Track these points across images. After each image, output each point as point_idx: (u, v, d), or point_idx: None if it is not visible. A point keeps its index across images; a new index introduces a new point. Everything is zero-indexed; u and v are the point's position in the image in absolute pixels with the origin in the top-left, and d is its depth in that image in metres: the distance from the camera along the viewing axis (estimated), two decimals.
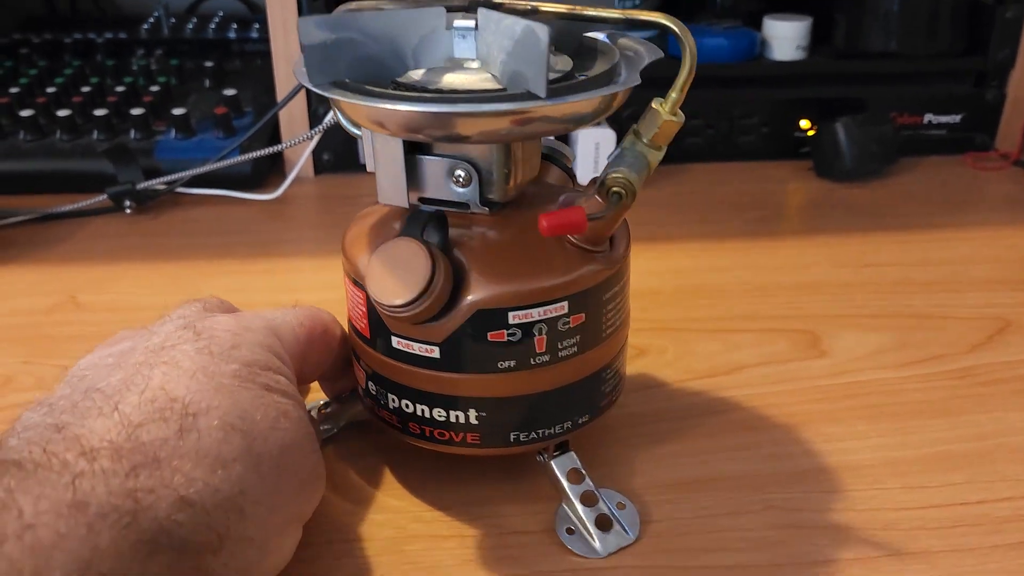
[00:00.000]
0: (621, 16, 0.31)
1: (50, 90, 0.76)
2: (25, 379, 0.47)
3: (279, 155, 0.70)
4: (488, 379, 0.34)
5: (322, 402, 0.42)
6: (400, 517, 0.38)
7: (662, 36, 0.78)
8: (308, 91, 0.69)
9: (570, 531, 0.36)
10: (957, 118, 0.76)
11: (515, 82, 0.30)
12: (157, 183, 0.66)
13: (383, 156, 0.34)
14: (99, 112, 0.71)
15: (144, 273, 0.59)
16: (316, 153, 0.73)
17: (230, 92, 0.75)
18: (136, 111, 0.72)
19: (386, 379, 0.36)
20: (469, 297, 0.33)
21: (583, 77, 0.32)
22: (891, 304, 0.54)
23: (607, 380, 0.37)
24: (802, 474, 0.40)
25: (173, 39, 0.90)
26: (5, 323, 0.53)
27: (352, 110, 0.32)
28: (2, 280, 0.58)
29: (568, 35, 0.36)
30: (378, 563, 0.35)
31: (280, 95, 0.70)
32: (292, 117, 0.71)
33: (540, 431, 0.35)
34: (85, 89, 0.76)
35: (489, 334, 0.33)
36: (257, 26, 0.92)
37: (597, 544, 0.35)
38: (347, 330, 0.38)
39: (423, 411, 0.35)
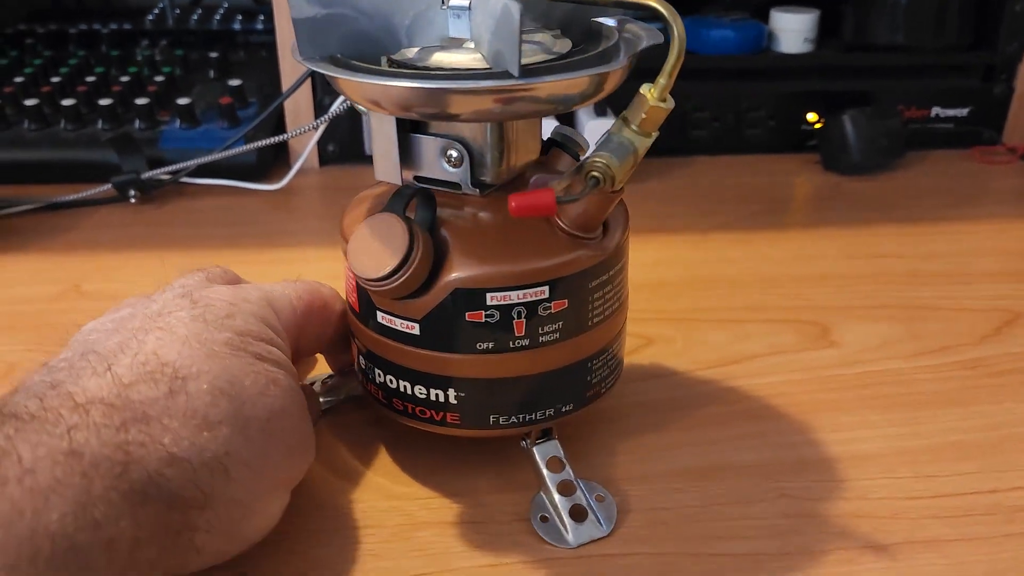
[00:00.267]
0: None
1: (55, 80, 0.76)
2: (29, 367, 0.46)
3: (284, 145, 0.70)
4: (467, 359, 0.34)
5: (326, 375, 0.43)
6: (409, 504, 0.37)
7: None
8: (313, 81, 0.69)
9: (544, 519, 0.36)
10: (964, 112, 0.76)
11: (497, 61, 0.30)
12: (161, 173, 0.66)
13: (378, 133, 0.34)
14: (104, 102, 0.71)
15: (148, 262, 0.58)
16: (321, 144, 0.72)
17: (235, 82, 0.74)
18: (141, 101, 0.71)
19: (373, 354, 0.36)
20: (448, 276, 0.33)
21: (572, 59, 0.32)
22: (900, 295, 0.53)
23: (594, 370, 0.36)
24: (813, 463, 0.39)
25: (178, 29, 0.90)
26: (10, 311, 0.53)
27: (344, 85, 0.32)
28: (7, 268, 0.58)
29: (575, 19, 0.36)
30: (387, 550, 0.35)
31: (285, 85, 0.70)
32: (297, 107, 0.70)
33: (521, 416, 0.35)
34: (90, 79, 0.76)
35: (467, 314, 0.33)
36: (262, 17, 0.92)
37: (569, 534, 0.35)
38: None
39: (405, 387, 0.36)
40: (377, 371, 0.36)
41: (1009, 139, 0.76)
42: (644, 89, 0.30)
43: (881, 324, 0.50)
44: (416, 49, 0.34)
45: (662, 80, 0.30)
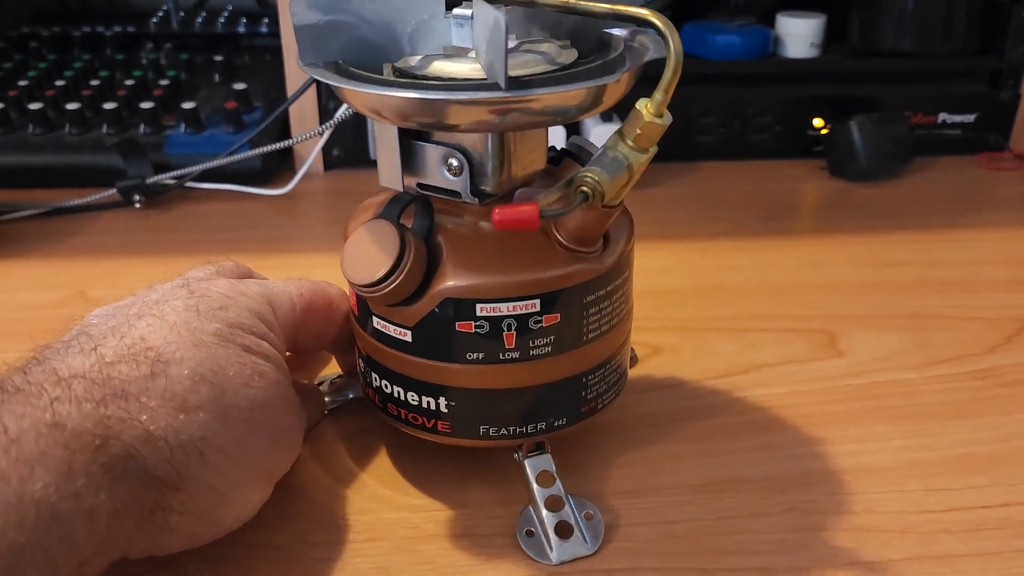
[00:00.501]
0: (609, 10, 0.30)
1: (59, 83, 0.76)
2: None
3: (289, 150, 0.70)
4: (457, 369, 0.34)
5: (335, 375, 0.44)
6: (415, 516, 0.37)
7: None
8: (318, 86, 0.69)
9: (530, 533, 0.35)
10: (971, 118, 0.76)
11: (490, 72, 0.30)
12: (166, 178, 0.66)
13: (381, 140, 0.34)
14: (108, 106, 0.71)
15: (153, 268, 0.58)
16: (326, 149, 0.72)
17: (240, 87, 0.74)
18: (145, 105, 0.71)
19: (370, 358, 0.37)
20: (439, 284, 0.33)
21: (569, 71, 0.32)
22: (908, 304, 0.53)
23: (590, 385, 0.36)
24: (823, 476, 0.39)
25: (182, 33, 0.90)
26: (14, 317, 0.53)
27: (343, 93, 0.32)
28: (11, 274, 0.58)
29: (586, 30, 0.35)
30: (392, 562, 0.35)
31: (290, 89, 0.70)
32: (302, 112, 0.70)
33: (511, 428, 0.35)
34: (94, 83, 0.76)
35: (457, 324, 0.33)
36: (267, 20, 0.92)
37: (552, 551, 0.35)
38: None
39: (399, 393, 0.36)
40: (374, 375, 0.37)
41: (1016, 145, 0.76)
42: (640, 104, 0.30)
43: (889, 333, 0.50)
44: (419, 57, 0.34)
45: (658, 96, 0.29)
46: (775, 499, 0.38)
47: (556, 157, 0.37)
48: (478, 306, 0.33)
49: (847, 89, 0.74)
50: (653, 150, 0.31)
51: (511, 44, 0.33)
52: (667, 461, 0.40)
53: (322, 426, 0.42)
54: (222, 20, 0.92)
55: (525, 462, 0.36)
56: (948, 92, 0.75)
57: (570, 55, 0.33)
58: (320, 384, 0.45)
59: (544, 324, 0.33)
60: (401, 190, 0.35)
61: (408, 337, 0.34)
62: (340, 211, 0.68)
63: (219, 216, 0.66)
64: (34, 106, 0.71)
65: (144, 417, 0.29)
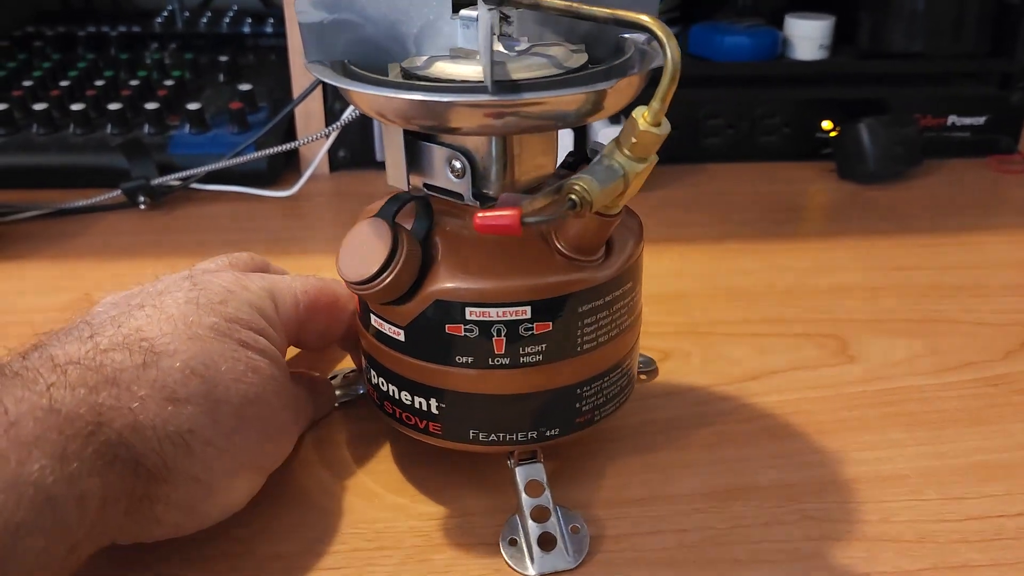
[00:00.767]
0: (610, 15, 0.29)
1: (63, 83, 0.75)
2: None
3: (295, 152, 0.69)
4: (446, 371, 0.34)
5: (348, 369, 0.45)
6: (426, 524, 0.37)
7: (683, 33, 0.77)
8: (324, 87, 0.69)
9: (513, 542, 0.35)
10: (981, 120, 0.75)
11: (484, 74, 0.30)
12: (171, 179, 0.65)
13: (388, 139, 0.34)
14: (113, 106, 0.71)
15: (158, 269, 0.57)
16: (332, 150, 0.72)
17: (245, 87, 0.74)
18: (150, 105, 0.71)
19: (369, 355, 0.37)
20: (431, 286, 0.33)
21: (567, 76, 0.31)
22: (920, 309, 0.53)
23: (585, 397, 0.35)
24: (837, 484, 0.39)
25: (187, 33, 0.90)
26: (20, 319, 0.52)
27: (346, 93, 0.32)
28: (15, 276, 0.57)
29: (601, 35, 0.35)
30: (402, 572, 0.34)
31: (296, 89, 0.69)
32: (308, 114, 0.70)
33: (500, 435, 0.35)
34: (99, 83, 0.75)
35: (447, 326, 0.33)
36: (271, 21, 0.91)
37: (533, 562, 0.34)
38: None
39: (393, 391, 0.36)
40: (373, 372, 0.37)
41: None
42: (636, 113, 0.29)
43: (902, 339, 0.49)
44: (424, 58, 0.33)
45: (655, 104, 0.28)
46: (788, 507, 0.37)
47: (574, 162, 0.37)
48: (467, 309, 0.32)
49: (856, 91, 0.74)
50: (653, 159, 0.30)
51: (522, 47, 0.33)
52: (678, 468, 0.40)
53: (331, 431, 0.42)
54: (227, 20, 0.92)
55: (516, 469, 0.36)
56: (958, 94, 0.75)
57: (579, 59, 0.33)
58: (333, 378, 0.45)
59: (535, 332, 0.33)
60: (407, 190, 0.34)
61: (401, 336, 0.34)
62: (346, 213, 0.68)
63: (224, 217, 0.65)
64: (38, 106, 0.70)
65: (134, 405, 0.30)
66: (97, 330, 0.32)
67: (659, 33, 0.28)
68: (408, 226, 0.33)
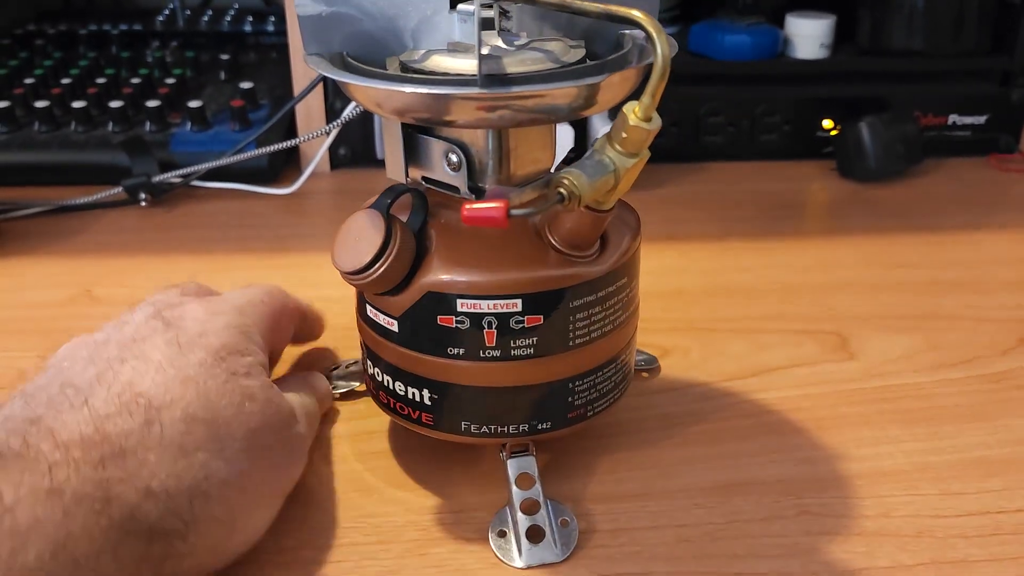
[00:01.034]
0: (602, 10, 0.30)
1: (65, 81, 0.75)
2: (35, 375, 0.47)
3: (295, 149, 0.70)
4: (438, 362, 0.34)
5: (351, 360, 0.45)
6: (424, 518, 0.37)
7: (683, 31, 0.77)
8: (325, 84, 0.69)
9: (502, 533, 0.35)
10: (982, 119, 0.75)
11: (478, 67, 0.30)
12: (172, 176, 0.65)
13: (387, 133, 0.35)
14: (114, 104, 0.71)
15: (160, 266, 0.58)
16: (333, 148, 0.72)
17: (246, 85, 0.74)
18: (151, 103, 0.71)
19: (365, 344, 0.37)
20: (423, 277, 0.33)
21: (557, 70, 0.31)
22: (920, 305, 0.53)
23: (577, 392, 0.35)
24: (836, 479, 0.39)
25: (188, 31, 0.90)
26: (20, 315, 0.52)
27: (342, 86, 0.32)
28: (17, 272, 0.57)
29: (601, 31, 0.35)
30: (402, 566, 0.34)
31: (297, 88, 0.70)
32: (309, 111, 0.70)
33: (492, 427, 0.35)
34: (100, 81, 0.76)
35: (439, 317, 0.33)
36: (272, 19, 0.92)
37: (520, 554, 0.34)
38: None
39: (388, 381, 0.36)
40: (369, 362, 0.37)
41: None
42: (627, 108, 0.29)
43: (902, 335, 0.49)
44: (422, 52, 0.34)
45: (645, 100, 0.29)
46: (787, 502, 0.37)
47: (574, 159, 0.37)
48: (459, 301, 0.33)
49: (857, 90, 0.74)
50: (644, 155, 0.30)
51: (521, 42, 0.33)
52: (677, 464, 0.40)
53: (330, 425, 0.42)
54: (228, 18, 0.92)
55: (507, 462, 0.36)
56: (958, 93, 0.74)
57: (576, 54, 0.33)
58: (335, 369, 0.45)
59: (526, 325, 0.33)
60: (405, 182, 0.35)
61: (395, 327, 0.34)
62: (346, 210, 0.67)
63: (225, 215, 0.65)
64: (40, 104, 0.70)
65: (144, 472, 0.29)
66: (89, 393, 0.30)
67: (650, 29, 0.28)
68: (404, 218, 0.34)
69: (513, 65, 0.31)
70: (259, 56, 0.85)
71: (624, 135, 0.29)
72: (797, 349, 0.48)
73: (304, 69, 0.68)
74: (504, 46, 0.33)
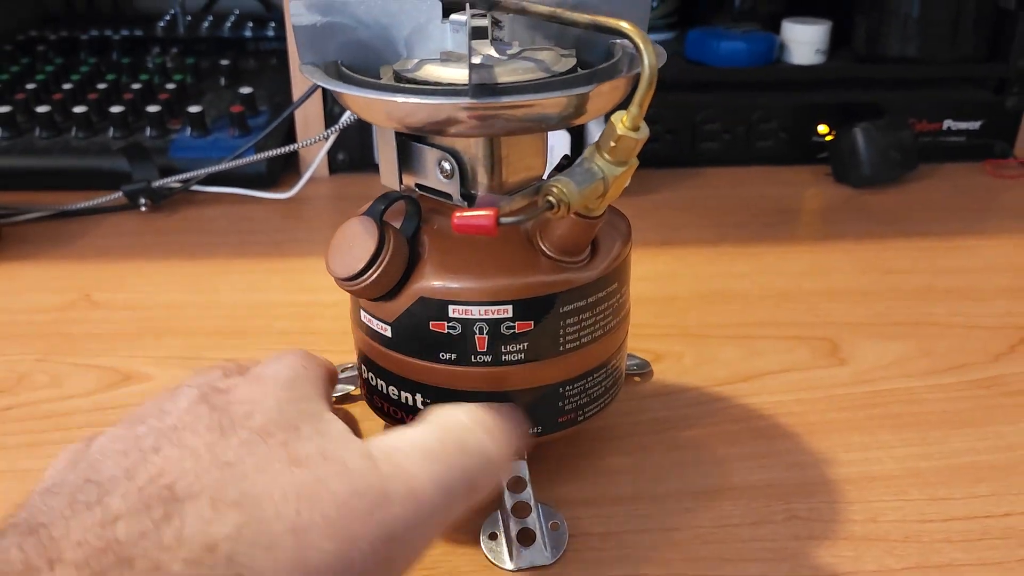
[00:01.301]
0: (590, 21, 0.30)
1: (66, 87, 0.76)
2: (39, 377, 0.47)
3: (294, 154, 0.70)
4: (430, 367, 0.34)
5: (348, 364, 0.45)
6: None
7: (680, 38, 0.78)
8: (323, 91, 0.69)
9: (493, 536, 0.36)
10: (977, 125, 0.76)
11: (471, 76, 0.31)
12: (172, 181, 0.66)
13: (381, 140, 0.35)
14: (115, 109, 0.71)
15: (159, 271, 0.58)
16: (331, 153, 0.72)
17: (246, 91, 0.74)
18: (152, 109, 0.71)
19: (359, 349, 0.38)
20: (415, 283, 0.33)
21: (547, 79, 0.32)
22: (912, 312, 0.53)
23: (568, 397, 0.36)
24: (825, 484, 0.39)
25: (189, 37, 0.90)
26: (20, 320, 0.53)
27: (340, 96, 0.33)
28: (17, 276, 0.58)
29: (592, 40, 0.36)
30: None
31: (296, 94, 0.70)
32: (307, 117, 0.70)
33: None
34: (101, 86, 0.76)
35: (431, 323, 0.34)
36: (273, 25, 0.92)
37: (511, 556, 0.35)
38: None
39: (381, 386, 0.37)
40: (363, 366, 0.38)
41: (1021, 152, 0.76)
42: (615, 117, 0.30)
43: (893, 341, 0.50)
44: (415, 61, 0.34)
45: (633, 109, 0.29)
46: (776, 507, 0.38)
47: (567, 165, 0.37)
48: (450, 307, 0.33)
49: (852, 96, 0.74)
50: (633, 163, 0.30)
51: (513, 51, 0.34)
52: (668, 468, 0.40)
53: None
54: (228, 24, 0.93)
55: None
56: (953, 99, 0.75)
57: (567, 63, 0.33)
58: (343, 371, 0.45)
59: (517, 331, 0.33)
60: (399, 189, 0.35)
61: (388, 332, 0.35)
62: (344, 215, 0.67)
63: (224, 219, 0.66)
64: (41, 109, 0.71)
65: None
66: (109, 488, 0.26)
67: (637, 39, 0.28)
68: (397, 224, 0.34)
69: (504, 74, 0.32)
70: (259, 62, 0.86)
71: (612, 144, 0.30)
72: (789, 355, 0.49)
73: (303, 75, 0.69)
74: (496, 55, 0.33)
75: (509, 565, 0.35)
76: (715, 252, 0.61)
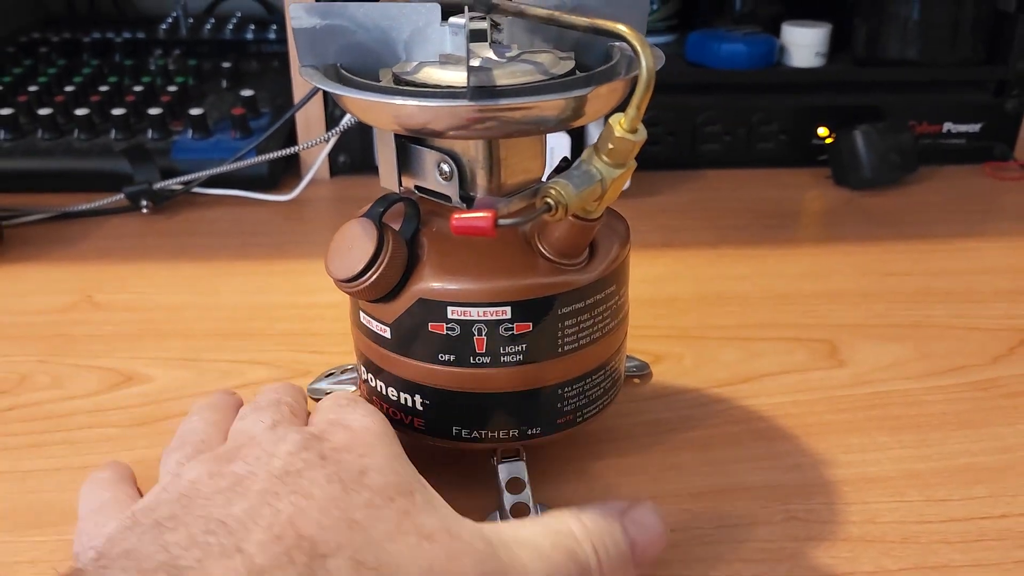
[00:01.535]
0: (589, 24, 0.30)
1: (68, 89, 0.76)
2: (41, 378, 0.47)
3: (295, 156, 0.70)
4: (429, 369, 0.35)
5: (345, 365, 0.46)
6: None
7: (680, 40, 0.78)
8: (324, 94, 0.69)
9: None
10: (976, 127, 0.76)
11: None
12: (174, 183, 0.66)
13: (380, 143, 0.35)
14: (117, 111, 0.72)
15: (161, 273, 0.59)
16: (332, 155, 0.73)
17: (247, 93, 0.75)
18: (154, 111, 0.72)
19: (358, 350, 0.38)
20: (415, 285, 0.34)
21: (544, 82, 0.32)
22: (912, 314, 0.53)
23: (567, 398, 0.36)
24: (823, 485, 0.39)
25: (191, 39, 0.91)
26: (22, 321, 0.53)
27: (340, 99, 0.33)
28: (19, 277, 0.58)
29: (590, 43, 0.36)
30: None
31: (297, 97, 0.70)
32: (309, 119, 0.71)
33: (483, 432, 0.36)
34: (103, 88, 0.77)
35: (430, 324, 0.34)
36: (275, 27, 0.92)
37: None
38: None
39: (381, 387, 0.37)
40: (363, 368, 0.38)
41: (1021, 155, 0.76)
42: (613, 119, 0.30)
43: (892, 343, 0.50)
44: (414, 63, 0.34)
45: (631, 112, 0.29)
46: (775, 508, 0.38)
47: (566, 167, 0.37)
48: (449, 308, 0.33)
49: (852, 98, 0.74)
50: (631, 165, 0.30)
51: (512, 53, 0.34)
52: (667, 469, 0.40)
53: None
54: (230, 27, 0.93)
55: (498, 467, 0.37)
56: (953, 102, 0.75)
57: (566, 66, 0.34)
58: (330, 375, 0.46)
59: (515, 332, 0.34)
60: (398, 191, 0.35)
61: (387, 334, 0.35)
62: (345, 217, 0.68)
63: (225, 221, 0.66)
64: (43, 111, 0.71)
65: None
66: (242, 537, 0.26)
67: (634, 42, 0.28)
68: (396, 226, 0.34)
69: (503, 77, 0.32)
70: (261, 64, 0.86)
71: (610, 146, 0.30)
72: (788, 356, 0.49)
73: (303, 78, 0.69)
74: (495, 58, 0.33)
75: None
76: (715, 254, 0.61)
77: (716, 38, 0.73)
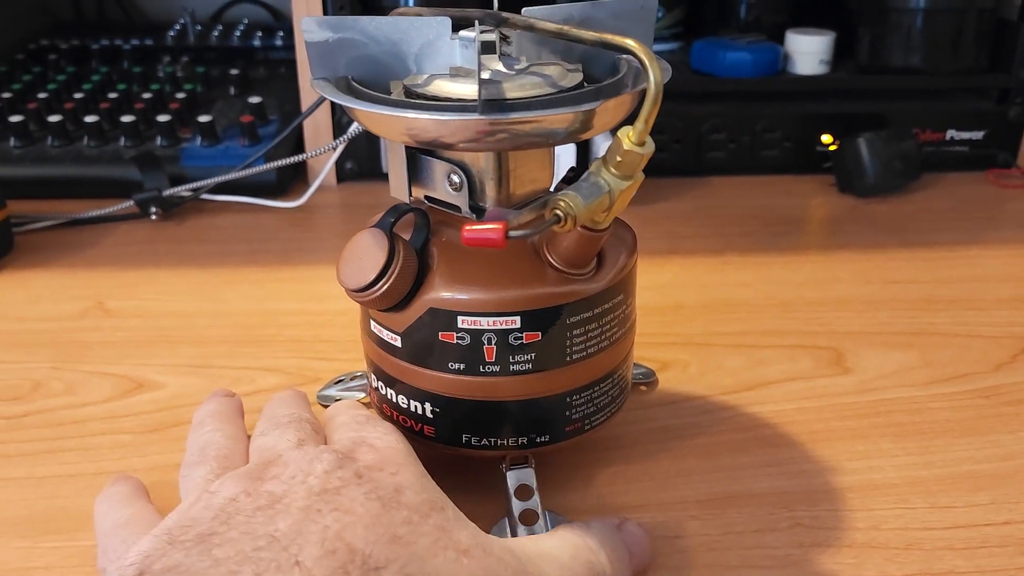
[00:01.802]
0: (597, 38, 0.31)
1: (77, 96, 0.77)
2: (54, 384, 0.48)
3: (303, 163, 0.71)
4: (440, 377, 0.35)
5: (355, 372, 0.47)
6: None
7: (685, 49, 0.79)
8: (332, 102, 0.70)
9: None
10: (980, 135, 0.76)
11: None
12: (183, 190, 0.67)
13: (391, 153, 0.36)
14: (126, 119, 0.72)
15: (170, 279, 0.59)
16: (340, 162, 0.73)
17: (255, 100, 0.75)
18: (162, 118, 0.72)
19: (369, 359, 0.38)
20: (425, 294, 0.34)
21: (553, 96, 0.32)
22: (915, 321, 0.54)
23: (575, 406, 0.36)
24: (828, 492, 0.40)
25: (199, 46, 0.91)
26: (34, 328, 0.54)
27: (351, 111, 0.34)
28: (30, 284, 0.59)
29: (599, 56, 0.36)
30: None
31: (305, 104, 0.71)
32: (317, 126, 0.71)
33: (492, 439, 0.36)
34: (112, 95, 0.77)
35: (441, 333, 0.34)
36: (281, 34, 0.93)
37: None
38: None
39: (391, 394, 0.37)
40: (372, 376, 0.38)
41: None
42: (621, 132, 0.30)
43: (896, 351, 0.50)
44: (425, 76, 0.35)
45: (639, 125, 0.30)
46: (780, 514, 0.38)
47: (574, 177, 0.38)
48: (459, 318, 0.34)
49: (856, 106, 0.75)
50: (639, 177, 0.31)
51: (521, 66, 0.34)
52: (674, 476, 0.41)
53: None
54: (238, 34, 0.94)
55: (507, 474, 0.37)
56: (956, 109, 0.76)
57: (574, 78, 0.34)
58: (339, 381, 0.46)
59: (524, 341, 0.34)
60: (408, 201, 0.36)
61: (398, 342, 0.36)
62: (353, 223, 0.69)
63: (234, 228, 0.67)
64: (53, 119, 0.72)
65: None
66: (298, 551, 0.26)
67: (643, 57, 0.29)
68: (407, 236, 0.35)
69: (512, 90, 0.32)
70: (268, 71, 0.87)
71: (619, 159, 0.30)
72: (793, 364, 0.49)
73: (315, 90, 0.70)
74: (504, 70, 0.34)
75: None
76: (720, 261, 0.61)
77: (721, 46, 0.74)
